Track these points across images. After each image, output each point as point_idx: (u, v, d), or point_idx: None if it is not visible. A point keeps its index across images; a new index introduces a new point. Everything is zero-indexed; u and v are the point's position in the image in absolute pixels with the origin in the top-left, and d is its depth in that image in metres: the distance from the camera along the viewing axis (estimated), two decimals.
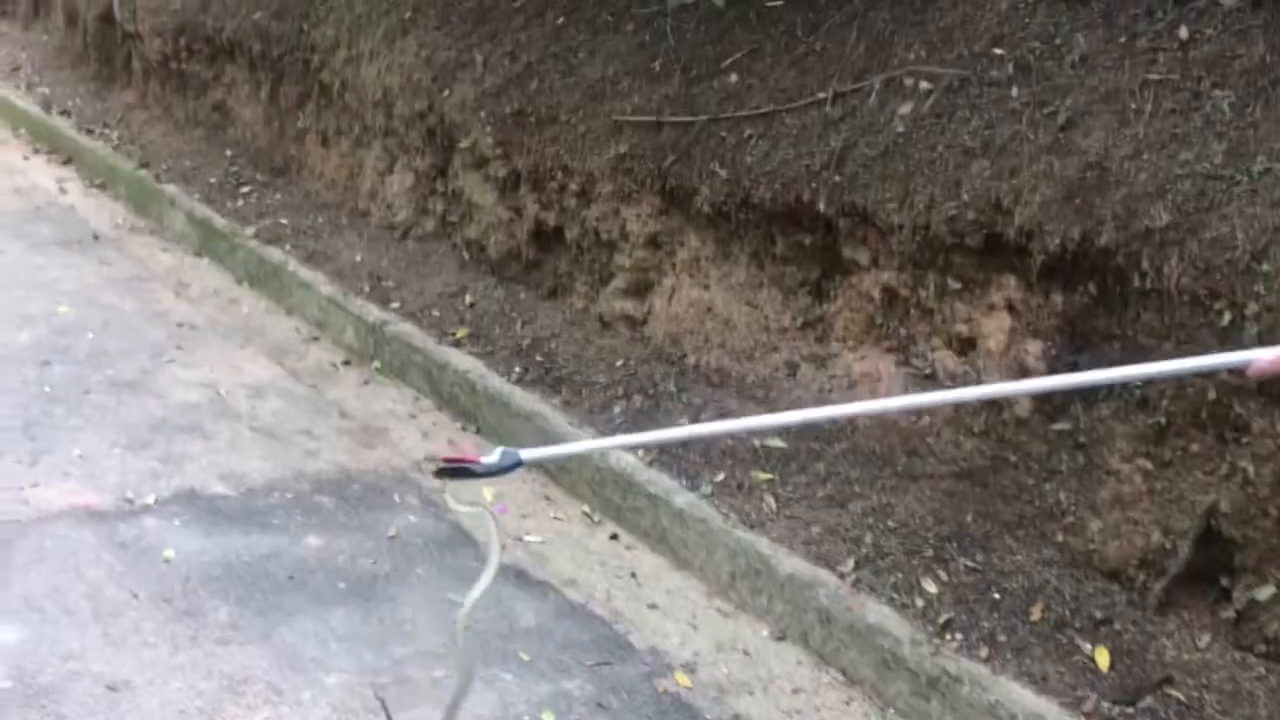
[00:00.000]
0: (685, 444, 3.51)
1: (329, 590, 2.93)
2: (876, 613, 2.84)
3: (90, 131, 6.74)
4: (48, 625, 2.62)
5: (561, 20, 4.60)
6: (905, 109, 3.38)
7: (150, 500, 3.21)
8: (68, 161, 6.59)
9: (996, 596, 2.86)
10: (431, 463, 3.66)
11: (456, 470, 2.05)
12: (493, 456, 2.03)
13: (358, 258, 5.04)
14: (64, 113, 7.08)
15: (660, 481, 3.38)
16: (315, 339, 4.64)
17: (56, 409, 3.68)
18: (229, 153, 6.26)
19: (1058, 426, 3.04)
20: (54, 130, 6.90)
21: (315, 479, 3.50)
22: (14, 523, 3.00)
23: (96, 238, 5.48)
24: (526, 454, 2.01)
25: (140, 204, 5.94)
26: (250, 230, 5.29)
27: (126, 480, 3.30)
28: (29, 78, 7.77)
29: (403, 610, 2.89)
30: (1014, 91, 3.20)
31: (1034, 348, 3.09)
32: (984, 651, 2.70)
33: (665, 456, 3.49)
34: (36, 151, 6.77)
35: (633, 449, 3.36)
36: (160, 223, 5.74)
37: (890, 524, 3.14)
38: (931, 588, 2.90)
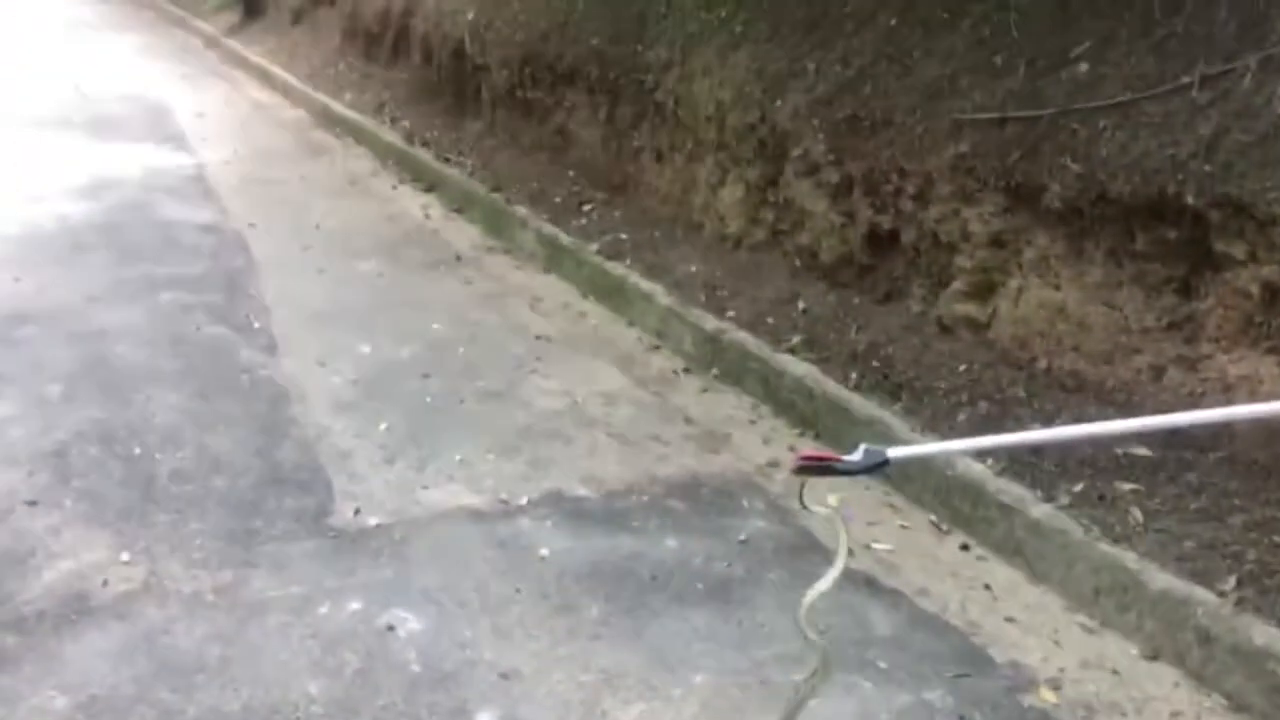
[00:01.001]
0: (1038, 452, 3.40)
1: (689, 591, 3.06)
2: (1265, 635, 2.63)
3: (447, 160, 7.35)
4: (445, 616, 2.90)
5: (895, 22, 4.56)
6: None
7: (523, 501, 3.48)
8: (430, 189, 7.22)
9: None
10: (777, 467, 3.75)
11: (817, 468, 2.08)
12: (856, 454, 2.04)
13: (693, 269, 5.21)
14: (424, 143, 7.76)
15: (1013, 491, 3.28)
16: (656, 348, 4.85)
17: (437, 417, 4.05)
18: (571, 173, 6.65)
19: None
20: (416, 160, 7.58)
21: (667, 483, 3.66)
22: (411, 521, 3.34)
23: (459, 258, 5.98)
24: (895, 452, 2.00)
25: (494, 225, 6.42)
26: (593, 246, 5.59)
27: (501, 483, 3.59)
28: (392, 113, 8.57)
29: (759, 613, 2.97)
30: None
31: None
32: None
33: (1017, 466, 3.39)
34: (402, 181, 7.46)
35: (990, 451, 3.27)
36: (512, 242, 6.18)
37: (1277, 539, 2.90)
38: None
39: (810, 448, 2.16)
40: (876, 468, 2.03)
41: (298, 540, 3.21)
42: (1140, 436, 3.28)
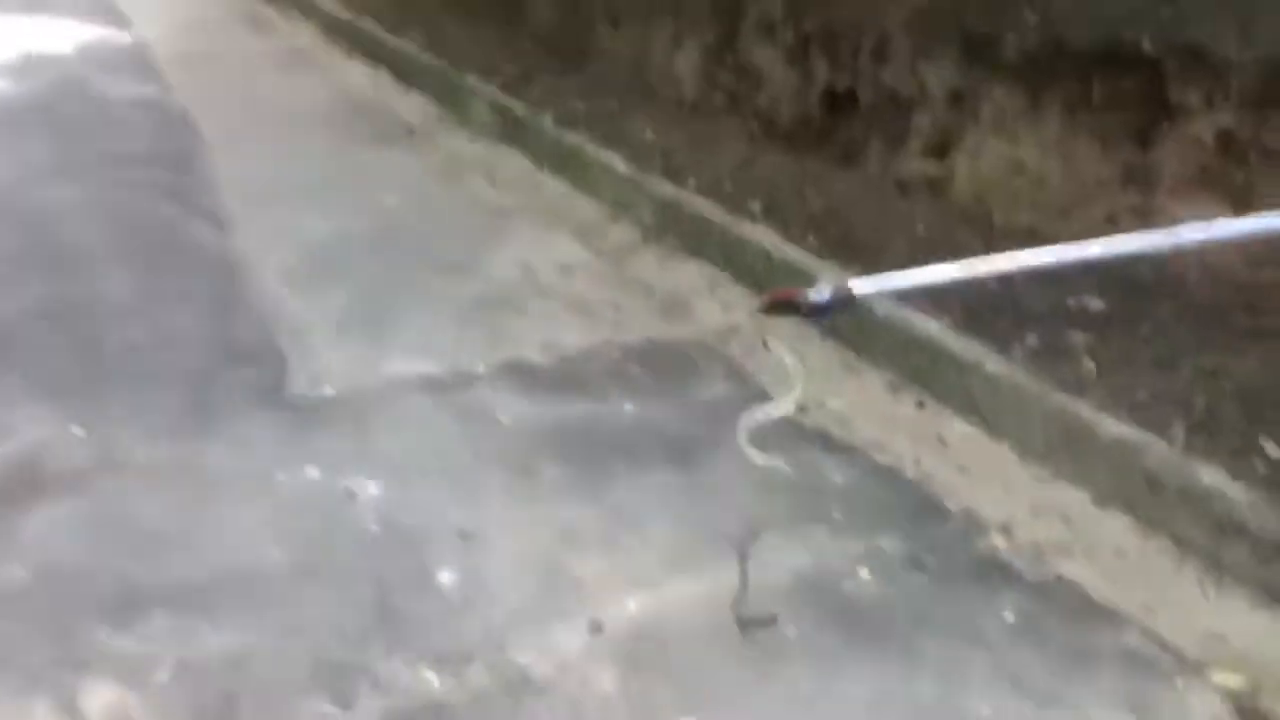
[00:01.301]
0: (995, 308, 3.41)
1: (647, 453, 3.08)
2: (1211, 477, 2.69)
3: (396, 31, 7.14)
4: (405, 481, 2.90)
5: None
6: None
7: (481, 370, 3.47)
8: (378, 62, 7.02)
9: None
10: (737, 332, 3.75)
11: (783, 306, 2.07)
12: (821, 291, 2.02)
13: (651, 137, 5.13)
14: (370, 14, 7.52)
15: (969, 347, 3.30)
16: (615, 218, 4.79)
17: (393, 290, 4.01)
18: (524, 43, 6.48)
19: None
20: (362, 32, 7.36)
21: (625, 349, 3.65)
22: (368, 392, 3.33)
23: (411, 132, 5.85)
24: (858, 284, 1.99)
25: (446, 98, 6.27)
26: (549, 116, 5.48)
27: (459, 352, 3.57)
28: None
29: (717, 472, 3.00)
30: None
31: None
32: None
33: (973, 322, 3.40)
34: (349, 54, 7.25)
35: (953, 286, 3.23)
36: (465, 114, 6.04)
37: (1227, 386, 2.95)
38: (1275, 453, 2.72)
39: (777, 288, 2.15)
40: (842, 304, 2.01)
41: (254, 412, 3.19)
42: (1095, 287, 3.30)
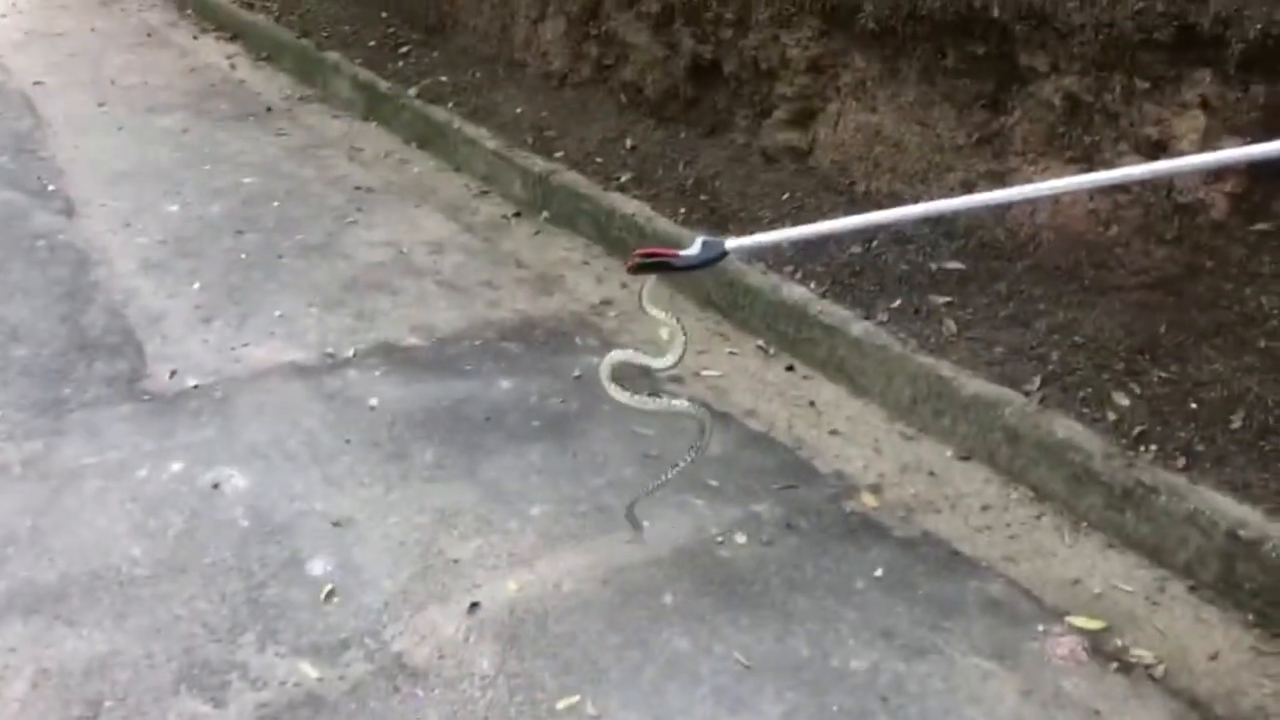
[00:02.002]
0: (858, 273, 3.48)
1: (524, 429, 3.07)
2: (1066, 428, 2.80)
3: (250, 5, 6.90)
4: (273, 470, 2.83)
5: None
6: None
7: (350, 354, 3.40)
8: (234, 38, 6.79)
9: (1193, 407, 2.78)
10: (611, 305, 3.74)
11: (654, 265, 2.01)
12: (693, 248, 1.97)
13: (519, 110, 5.08)
14: None
15: (835, 312, 3.37)
16: (485, 193, 4.74)
17: (254, 274, 3.89)
18: (384, 15, 6.33)
19: (1258, 227, 2.88)
20: (216, 7, 7.09)
21: (500, 327, 3.62)
22: (231, 380, 3.23)
23: (269, 110, 5.67)
24: (732, 243, 1.94)
25: (306, 73, 6.09)
26: (412, 91, 5.38)
27: (326, 337, 3.49)
28: None
29: (594, 444, 3.00)
30: None
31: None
32: (1181, 462, 2.64)
33: (838, 288, 3.47)
34: (204, 30, 6.99)
35: (825, 238, 3.27)
36: (326, 90, 5.89)
37: (1078, 340, 3.07)
38: (1124, 401, 2.84)
39: (648, 247, 2.09)
40: (715, 260, 1.96)
41: (110, 406, 3.07)
42: (953, 251, 3.39)
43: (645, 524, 2.59)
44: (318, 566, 2.51)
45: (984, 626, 2.41)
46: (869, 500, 2.84)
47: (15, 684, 2.15)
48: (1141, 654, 2.35)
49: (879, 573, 2.58)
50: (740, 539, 2.68)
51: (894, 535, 2.72)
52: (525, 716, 2.14)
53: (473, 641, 2.31)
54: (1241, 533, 2.46)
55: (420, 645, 2.30)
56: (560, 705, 2.16)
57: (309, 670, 2.22)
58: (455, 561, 2.55)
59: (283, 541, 2.58)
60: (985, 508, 2.82)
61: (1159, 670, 2.31)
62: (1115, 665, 2.31)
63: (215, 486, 2.75)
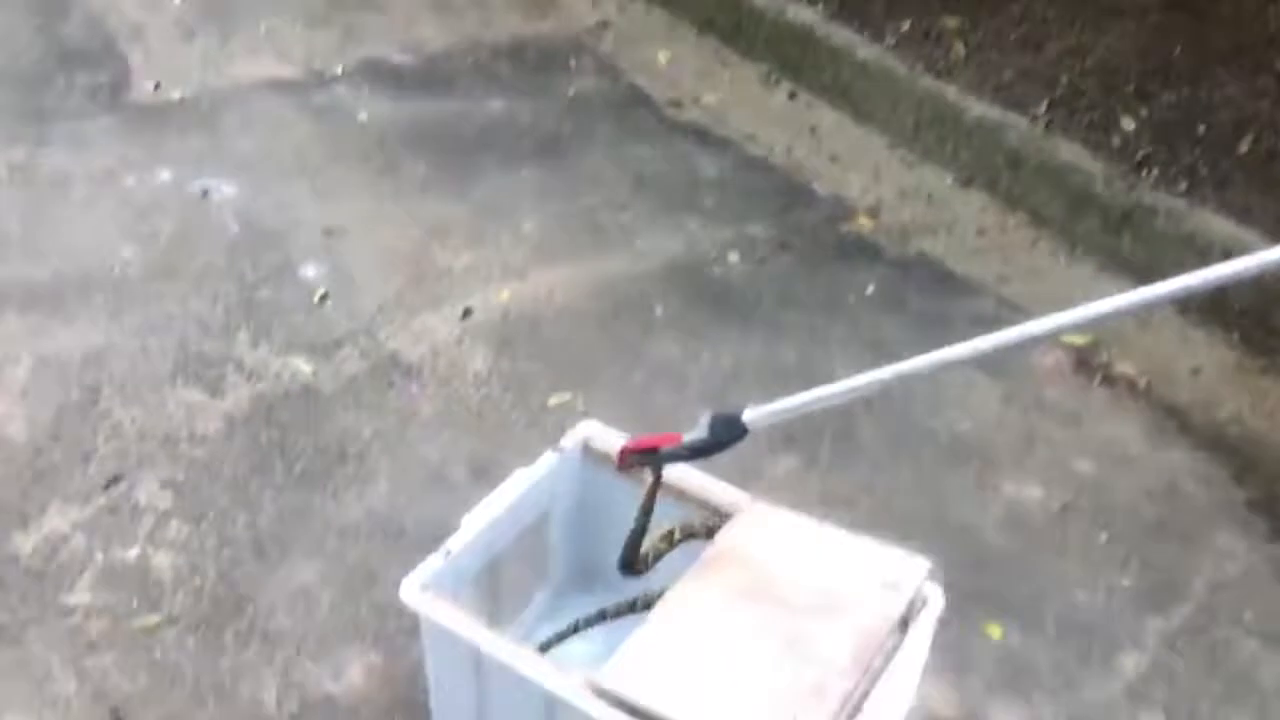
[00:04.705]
0: None
1: (517, 148, 3.00)
2: (1070, 151, 2.75)
3: None
4: (262, 180, 2.79)
5: None
6: None
7: (338, 70, 3.29)
8: None
9: (1201, 130, 2.72)
10: (607, 27, 3.60)
11: (650, 458, 1.43)
12: (698, 431, 1.36)
13: None
14: None
15: (841, 35, 3.24)
16: None
17: None
18: None
19: None
20: None
21: (492, 47, 3.49)
22: (217, 93, 3.14)
23: None
24: (751, 414, 1.34)
25: None
26: None
27: (313, 53, 3.36)
28: None
29: (587, 164, 2.95)
30: None
31: None
32: (1182, 185, 2.61)
33: (846, 10, 3.33)
34: None
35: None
36: None
37: (1089, 63, 2.97)
38: (1130, 125, 2.77)
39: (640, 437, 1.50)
40: (732, 442, 1.35)
41: (94, 116, 2.99)
42: None
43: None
44: (310, 271, 2.51)
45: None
46: (865, 223, 2.81)
47: (15, 370, 2.18)
48: (1125, 369, 2.38)
49: (870, 290, 2.58)
50: (733, 257, 2.67)
51: (888, 256, 2.71)
52: (517, 410, 2.18)
53: (466, 344, 2.34)
54: (1237, 253, 2.45)
55: (414, 346, 2.32)
56: (552, 402, 2.21)
57: (303, 365, 2.25)
58: (448, 271, 2.55)
59: (274, 247, 2.57)
60: (982, 232, 2.80)
61: (1141, 383, 2.35)
62: (1099, 378, 2.34)
63: (204, 194, 2.72)
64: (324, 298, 2.43)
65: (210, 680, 1.67)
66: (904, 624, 1.38)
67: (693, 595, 1.39)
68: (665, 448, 1.39)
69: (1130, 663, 1.79)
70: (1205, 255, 2.48)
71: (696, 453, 1.36)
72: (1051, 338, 1.00)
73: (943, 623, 1.45)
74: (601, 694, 1.28)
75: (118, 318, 2.33)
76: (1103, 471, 2.13)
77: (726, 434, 1.33)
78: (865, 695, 1.30)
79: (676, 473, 1.53)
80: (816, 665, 1.26)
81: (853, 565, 1.41)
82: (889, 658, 1.34)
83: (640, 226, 2.75)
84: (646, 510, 1.44)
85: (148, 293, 2.41)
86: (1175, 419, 2.27)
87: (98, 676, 1.67)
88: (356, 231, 2.65)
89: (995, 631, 1.82)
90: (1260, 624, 1.86)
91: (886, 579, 1.38)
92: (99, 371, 2.19)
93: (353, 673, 1.69)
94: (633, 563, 1.46)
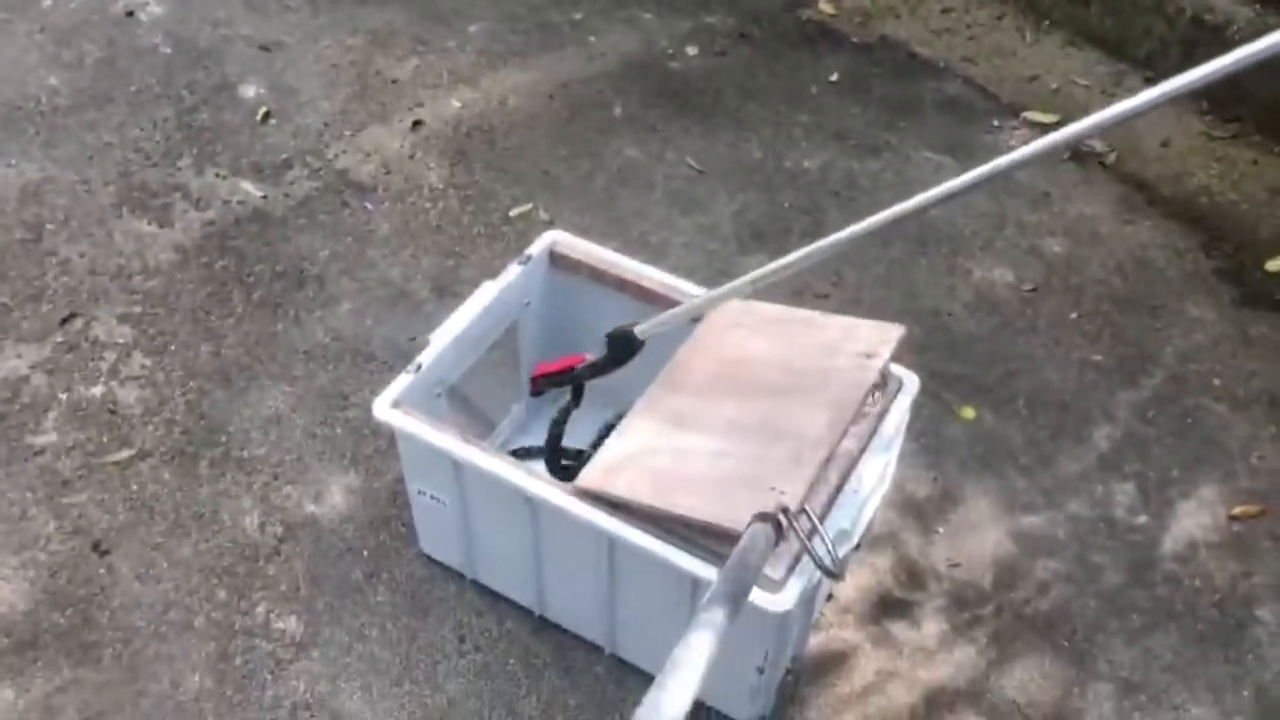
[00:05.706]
0: None
1: None
2: None
3: None
4: None
5: None
6: None
7: None
8: None
9: None
10: None
11: (560, 379, 1.47)
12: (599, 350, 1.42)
13: None
14: None
15: None
16: None
17: None
18: None
19: None
20: None
21: None
22: None
23: None
24: (642, 327, 1.38)
25: None
26: None
27: None
28: None
29: None
30: None
31: None
32: None
33: None
34: None
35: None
36: None
37: None
38: None
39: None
40: (630, 353, 1.39)
41: None
42: None
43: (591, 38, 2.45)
44: (250, 90, 2.39)
45: (939, 124, 2.38)
46: (825, 8, 2.70)
47: None
48: (1093, 144, 2.34)
49: (834, 78, 2.50)
50: (691, 50, 2.57)
51: (851, 41, 2.61)
52: (478, 224, 2.13)
53: (419, 157, 2.26)
54: (1208, 18, 2.38)
55: (365, 162, 2.24)
56: (513, 213, 2.15)
57: (252, 189, 2.17)
58: (393, 81, 2.44)
59: (210, 67, 2.44)
60: (946, 11, 2.70)
61: (1110, 158, 2.31)
62: (1067, 154, 2.30)
63: (129, 14, 2.56)
64: (266, 116, 2.32)
65: (190, 510, 1.67)
66: (879, 388, 1.38)
67: (666, 394, 1.38)
68: (575, 368, 1.44)
69: (1102, 435, 1.81)
70: (1174, 23, 2.41)
71: (599, 370, 1.42)
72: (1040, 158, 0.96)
73: (916, 407, 1.45)
74: (583, 494, 1.28)
75: (51, 151, 2.22)
76: (1072, 250, 2.12)
77: (625, 349, 1.39)
78: (849, 457, 1.31)
79: (645, 272, 1.54)
80: (790, 440, 1.26)
81: (827, 342, 1.39)
82: (868, 423, 1.35)
83: (593, 23, 2.62)
84: (560, 421, 1.51)
85: (81, 122, 2.29)
86: (1144, 192, 2.24)
87: (75, 513, 1.65)
88: (294, 45, 2.51)
89: (968, 413, 1.84)
90: (1229, 388, 1.89)
91: (860, 349, 1.37)
92: (39, 208, 2.10)
93: (333, 494, 1.69)
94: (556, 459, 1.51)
